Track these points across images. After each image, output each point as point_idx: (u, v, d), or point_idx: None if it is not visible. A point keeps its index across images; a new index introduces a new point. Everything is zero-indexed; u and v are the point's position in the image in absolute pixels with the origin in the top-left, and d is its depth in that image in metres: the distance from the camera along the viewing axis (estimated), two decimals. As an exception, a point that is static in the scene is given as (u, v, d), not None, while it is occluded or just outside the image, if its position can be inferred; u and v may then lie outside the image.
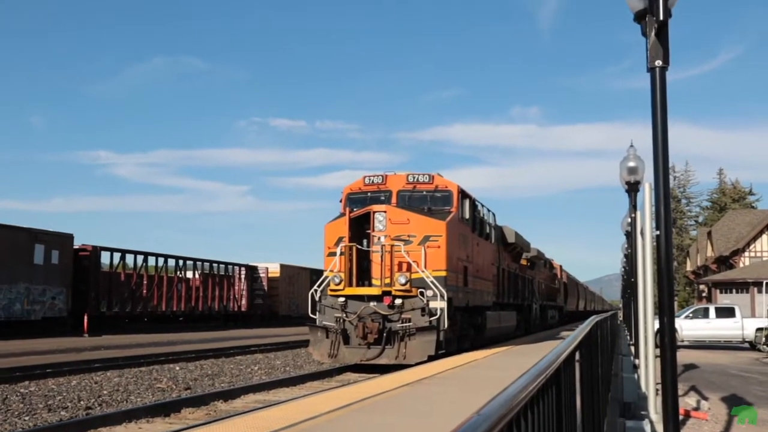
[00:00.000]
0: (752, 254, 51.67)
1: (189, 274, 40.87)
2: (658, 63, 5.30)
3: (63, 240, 31.12)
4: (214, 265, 43.57)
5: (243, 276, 45.92)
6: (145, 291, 36.02)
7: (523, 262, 27.72)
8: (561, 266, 44.24)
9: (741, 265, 50.87)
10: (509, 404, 1.56)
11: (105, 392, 12.61)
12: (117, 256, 34.98)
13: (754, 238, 52.11)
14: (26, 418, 9.97)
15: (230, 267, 45.16)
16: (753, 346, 29.07)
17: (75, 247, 32.14)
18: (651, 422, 7.28)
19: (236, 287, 45.21)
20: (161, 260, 38.31)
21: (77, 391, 12.66)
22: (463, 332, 17.68)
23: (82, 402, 11.47)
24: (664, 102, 5.35)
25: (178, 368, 17.06)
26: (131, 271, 35.73)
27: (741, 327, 29.54)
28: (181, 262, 40.09)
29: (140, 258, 36.51)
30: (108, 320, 33.28)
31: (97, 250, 33.35)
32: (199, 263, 42.00)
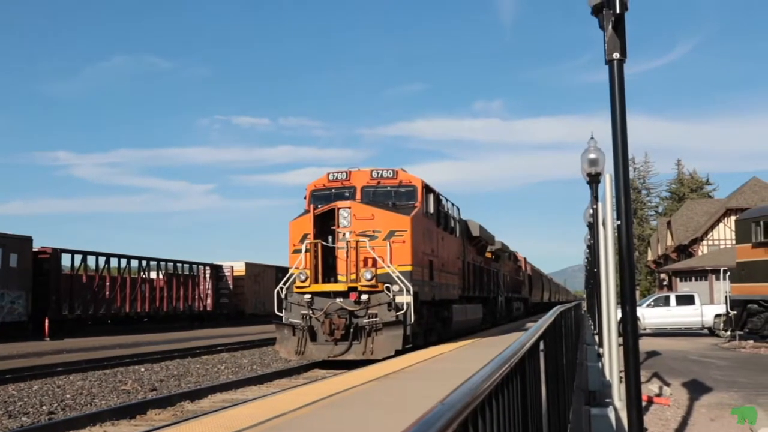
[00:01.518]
0: (710, 242, 52.76)
1: (153, 275, 40.34)
2: (616, 55, 5.39)
3: (21, 243, 30.47)
4: (178, 264, 43.09)
5: (208, 275, 45.49)
6: (107, 293, 35.47)
7: (488, 255, 27.93)
8: (525, 258, 44.69)
9: (700, 253, 51.92)
10: (473, 393, 1.58)
11: (68, 396, 12.40)
12: (78, 258, 34.37)
13: (712, 227, 53.20)
14: (-13, 425, 9.76)
15: (195, 266, 44.69)
16: (712, 332, 29.73)
17: (34, 249, 31.50)
18: (615, 409, 7.40)
19: (201, 287, 44.77)
20: (124, 261, 37.75)
21: (39, 396, 12.43)
22: (430, 326, 17.76)
23: (44, 407, 11.27)
24: (623, 94, 5.44)
25: (143, 370, 16.85)
26: (93, 272, 35.14)
27: (700, 314, 30.19)
28: (144, 262, 39.55)
29: (102, 259, 35.95)
30: (70, 323, 32.69)
31: (57, 253, 32.73)
32: (162, 263, 41.48)
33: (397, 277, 15.12)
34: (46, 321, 30.51)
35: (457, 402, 1.41)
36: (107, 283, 35.59)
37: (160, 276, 40.75)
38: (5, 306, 29.17)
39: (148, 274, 39.73)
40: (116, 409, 10.50)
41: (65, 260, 33.83)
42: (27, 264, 30.49)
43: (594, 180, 12.11)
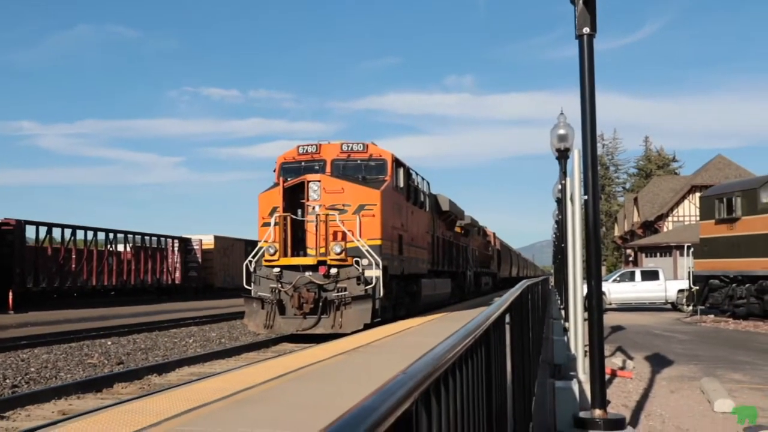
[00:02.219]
0: (675, 219, 53.64)
1: (120, 248, 39.91)
2: (586, 30, 5.40)
3: (-16, 214, 29.86)
4: (146, 237, 42.65)
5: (176, 248, 45.13)
6: (73, 265, 35.01)
7: (458, 229, 28.08)
8: (494, 234, 45.01)
9: (665, 229, 52.77)
10: (436, 363, 1.58)
11: (32, 369, 12.26)
12: (43, 230, 33.86)
13: (677, 204, 54.05)
14: (-52, 399, 9.61)
15: (163, 239, 44.29)
16: (675, 306, 30.34)
17: (-3, 221, 30.94)
18: (579, 382, 7.52)
19: (169, 260, 44.42)
20: (90, 234, 37.26)
21: (2, 369, 12.27)
22: (399, 300, 17.85)
23: (7, 380, 11.13)
24: (592, 69, 5.46)
25: (110, 343, 16.72)
26: (59, 245, 34.65)
27: (664, 289, 30.77)
28: (111, 235, 39.09)
29: (68, 232, 35.40)
30: (35, 296, 32.26)
31: (21, 224, 32.16)
32: (130, 236, 41.04)
33: (367, 251, 15.13)
34: (10, 293, 30.05)
35: (419, 371, 1.41)
36: (73, 256, 35.12)
37: (128, 249, 40.33)
38: (-32, 278, 28.66)
39: (115, 247, 39.30)
40: (82, 382, 10.41)
41: (30, 232, 33.31)
42: (-11, 236, 29.94)
43: (563, 156, 12.18)
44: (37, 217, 35.63)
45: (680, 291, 29.98)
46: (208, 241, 48.16)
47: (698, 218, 31.66)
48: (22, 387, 10.70)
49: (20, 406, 8.87)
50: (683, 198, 53.63)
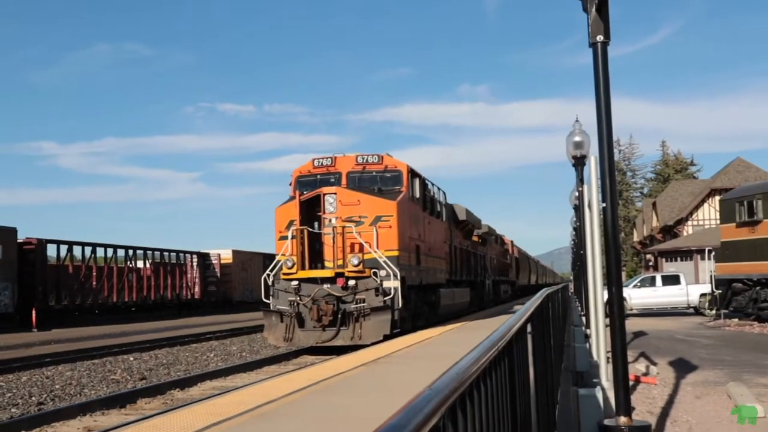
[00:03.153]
0: (695, 223, 53.14)
1: (140, 264, 40.19)
2: (600, 38, 5.39)
3: (6, 234, 30.24)
4: (165, 253, 42.92)
5: (195, 263, 45.35)
6: (94, 282, 35.30)
7: (475, 238, 28.01)
8: (512, 241, 44.83)
9: (685, 233, 52.29)
10: (461, 377, 1.59)
11: (57, 387, 12.37)
12: (64, 248, 34.17)
13: (696, 207, 53.56)
14: (-25, 417, 9.72)
15: (182, 255, 44.54)
16: (697, 311, 30.03)
17: (19, 240, 31.28)
18: (603, 389, 7.47)
19: (189, 275, 44.64)
20: (110, 251, 37.58)
21: (28, 387, 12.39)
22: (418, 310, 17.81)
23: (33, 398, 11.24)
24: (607, 76, 5.45)
25: (132, 359, 16.83)
26: (79, 263, 34.95)
27: (686, 293, 30.49)
28: (130, 251, 39.38)
29: (88, 249, 35.75)
30: (57, 314, 32.54)
31: (42, 243, 32.51)
32: (149, 252, 41.32)
33: (384, 262, 15.13)
34: (33, 312, 30.34)
35: (445, 387, 1.42)
36: (94, 273, 35.41)
37: (147, 265, 40.59)
38: (-9, 298, 28.98)
39: (135, 263, 39.57)
40: (106, 398, 10.50)
41: (51, 251, 33.66)
42: (12, 255, 30.28)
43: (579, 163, 12.13)
44: (57, 236, 35.92)
45: (702, 295, 29.68)
46: (227, 256, 48.37)
47: (718, 222, 31.36)
48: (48, 404, 10.80)
49: (46, 423, 8.96)
50: (702, 202, 53.14)
